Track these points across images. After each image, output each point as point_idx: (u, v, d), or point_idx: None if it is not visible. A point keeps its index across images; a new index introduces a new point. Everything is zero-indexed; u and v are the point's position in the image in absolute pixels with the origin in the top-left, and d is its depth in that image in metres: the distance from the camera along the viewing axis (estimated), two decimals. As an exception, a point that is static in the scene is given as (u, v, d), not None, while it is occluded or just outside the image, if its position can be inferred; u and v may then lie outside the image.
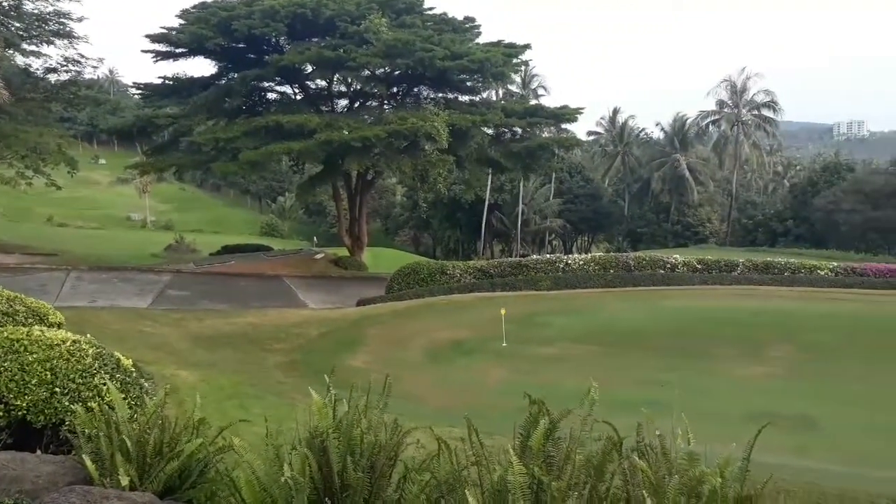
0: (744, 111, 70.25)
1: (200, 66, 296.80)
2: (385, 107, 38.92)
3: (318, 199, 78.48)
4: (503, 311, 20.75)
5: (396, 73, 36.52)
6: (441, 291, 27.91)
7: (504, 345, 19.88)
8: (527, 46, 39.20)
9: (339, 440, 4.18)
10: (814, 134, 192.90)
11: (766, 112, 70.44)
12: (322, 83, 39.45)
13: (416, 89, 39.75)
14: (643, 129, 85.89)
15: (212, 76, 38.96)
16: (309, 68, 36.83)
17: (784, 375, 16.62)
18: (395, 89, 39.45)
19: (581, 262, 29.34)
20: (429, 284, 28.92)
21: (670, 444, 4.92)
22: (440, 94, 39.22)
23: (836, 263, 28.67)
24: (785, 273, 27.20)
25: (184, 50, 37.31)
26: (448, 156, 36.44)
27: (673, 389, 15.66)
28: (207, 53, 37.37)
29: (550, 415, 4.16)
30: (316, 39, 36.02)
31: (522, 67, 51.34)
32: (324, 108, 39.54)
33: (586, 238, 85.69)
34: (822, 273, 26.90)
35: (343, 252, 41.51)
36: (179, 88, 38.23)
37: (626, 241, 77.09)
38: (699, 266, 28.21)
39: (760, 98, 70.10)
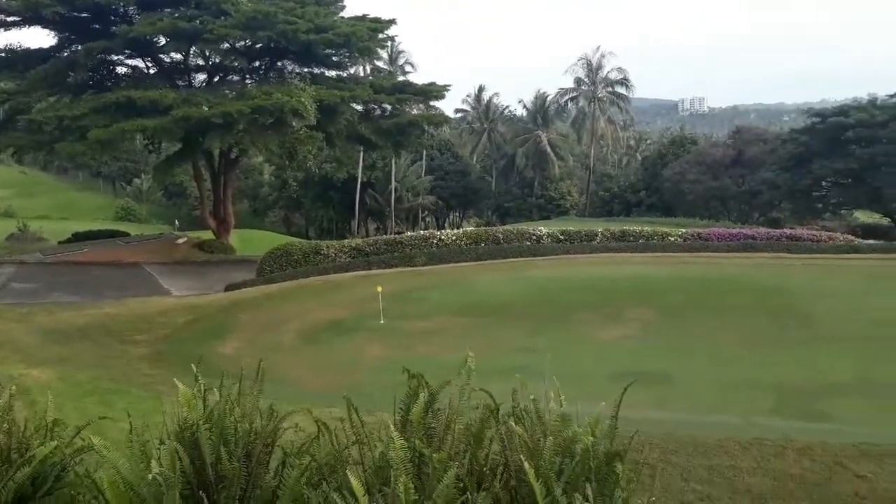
0: (599, 88, 73.90)
1: (39, 37, 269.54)
2: (247, 81, 37.30)
3: (177, 180, 74.20)
4: (379, 289, 20.73)
5: (258, 46, 35.03)
6: (316, 272, 27.45)
7: (381, 322, 19.91)
8: (392, 21, 38.89)
9: (210, 431, 4.00)
10: (661, 110, 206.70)
11: (619, 89, 74.55)
12: (177, 56, 37.09)
13: (280, 63, 38.35)
14: (507, 107, 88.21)
15: (51, 48, 35.48)
16: (162, 40, 34.47)
17: (641, 336, 17.87)
18: (257, 63, 37.85)
19: (454, 238, 29.86)
20: (302, 265, 28.36)
21: (544, 407, 5.14)
22: (306, 69, 38.10)
23: (684, 230, 31.00)
24: (640, 240, 29.12)
25: (16, 18, 33.65)
26: (317, 133, 35.60)
27: (544, 355, 16.45)
28: (45, 23, 33.90)
29: (429, 387, 4.20)
30: (169, 10, 33.69)
31: (389, 43, 50.91)
32: (180, 82, 37.25)
33: (458, 214, 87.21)
34: (673, 239, 29.05)
35: (208, 235, 39.65)
36: (14, 61, 34.53)
37: (495, 216, 79.21)
38: (562, 237, 29.58)
39: (614, 76, 74.06)
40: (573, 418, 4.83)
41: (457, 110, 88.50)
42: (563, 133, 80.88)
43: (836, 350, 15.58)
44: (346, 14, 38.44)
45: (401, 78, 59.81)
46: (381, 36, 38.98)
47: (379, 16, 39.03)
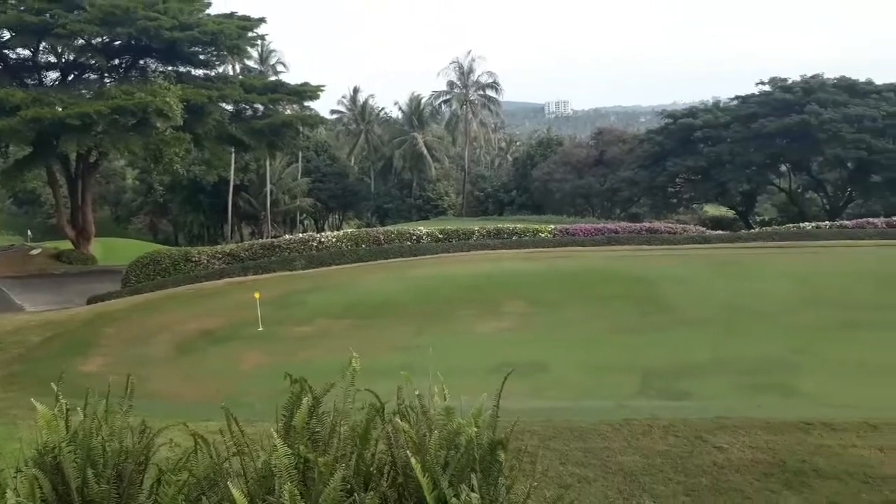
0: (471, 91, 75.72)
1: None
2: (107, 80, 34.97)
3: (29, 187, 68.12)
4: (257, 295, 20.17)
5: (117, 42, 32.98)
6: (187, 280, 26.34)
7: (260, 329, 19.40)
8: (262, 20, 37.92)
9: (75, 453, 3.75)
10: (529, 113, 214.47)
11: (490, 92, 76.86)
12: (25, 52, 34.13)
13: (142, 61, 36.28)
14: (383, 109, 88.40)
15: None
16: (6, 34, 31.60)
17: (518, 328, 18.53)
18: (117, 61, 35.60)
19: (334, 240, 29.55)
20: (172, 274, 27.17)
21: (428, 402, 5.24)
22: (171, 68, 36.28)
23: (553, 226, 32.38)
24: (513, 237, 30.14)
25: None
26: (184, 134, 33.98)
27: (427, 351, 16.67)
28: None
29: (313, 391, 4.16)
30: (14, 1, 30.93)
31: (259, 42, 49.51)
32: (29, 80, 34.33)
33: (337, 216, 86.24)
34: (543, 235, 30.29)
35: (66, 245, 36.86)
36: None
37: (375, 217, 79.14)
38: (441, 236, 30.07)
39: (485, 79, 76.19)
40: (457, 411, 4.96)
41: (332, 111, 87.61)
42: (439, 135, 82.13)
43: (692, 333, 16.89)
44: (213, 11, 36.99)
45: (273, 78, 58.36)
46: (250, 34, 37.93)
47: (248, 14, 37.92)
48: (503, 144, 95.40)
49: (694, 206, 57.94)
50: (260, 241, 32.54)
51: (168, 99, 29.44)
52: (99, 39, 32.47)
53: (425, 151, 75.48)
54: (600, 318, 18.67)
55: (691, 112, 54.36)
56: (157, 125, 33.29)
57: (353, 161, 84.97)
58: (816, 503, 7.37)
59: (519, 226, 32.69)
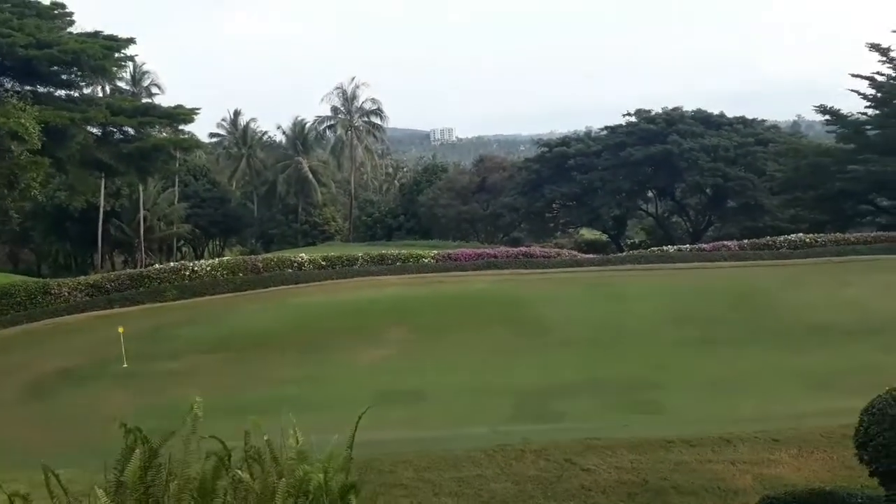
0: (355, 117, 75.81)
1: None
2: (-50, 99, 32.00)
3: None
4: (121, 329, 19.07)
5: (-36, 60, 30.34)
6: (45, 315, 24.51)
7: (125, 366, 18.33)
8: (131, 40, 36.19)
9: None
10: (415, 139, 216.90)
11: (374, 119, 77.19)
12: None
13: (-6, 80, 33.56)
14: (266, 132, 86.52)
15: None
16: None
17: (399, 356, 18.54)
18: (-36, 79, 32.72)
19: (209, 268, 28.34)
20: (28, 308, 25.23)
21: (281, 444, 5.08)
22: (28, 87, 33.77)
23: (436, 251, 32.75)
24: (397, 263, 30.18)
25: None
26: (43, 158, 31.60)
27: (301, 385, 16.30)
28: None
29: (149, 442, 3.94)
30: None
31: (129, 63, 47.22)
32: None
33: (218, 242, 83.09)
34: (426, 260, 30.55)
35: None
36: None
37: (259, 243, 76.97)
38: (324, 263, 29.57)
39: (368, 106, 76.45)
40: (318, 451, 4.84)
41: (212, 134, 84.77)
42: (324, 160, 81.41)
43: (566, 354, 17.57)
44: (76, 29, 34.92)
45: (146, 100, 55.87)
46: (117, 55, 36.08)
47: (115, 33, 36.08)
48: (390, 170, 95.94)
49: (570, 230, 60.60)
50: (127, 271, 30.72)
51: (23, 121, 27.34)
52: (-59, 55, 29.79)
53: (310, 176, 74.46)
54: (479, 342, 19.02)
55: (565, 141, 57.15)
56: (11, 148, 30.79)
57: (234, 186, 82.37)
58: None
59: (403, 251, 32.80)
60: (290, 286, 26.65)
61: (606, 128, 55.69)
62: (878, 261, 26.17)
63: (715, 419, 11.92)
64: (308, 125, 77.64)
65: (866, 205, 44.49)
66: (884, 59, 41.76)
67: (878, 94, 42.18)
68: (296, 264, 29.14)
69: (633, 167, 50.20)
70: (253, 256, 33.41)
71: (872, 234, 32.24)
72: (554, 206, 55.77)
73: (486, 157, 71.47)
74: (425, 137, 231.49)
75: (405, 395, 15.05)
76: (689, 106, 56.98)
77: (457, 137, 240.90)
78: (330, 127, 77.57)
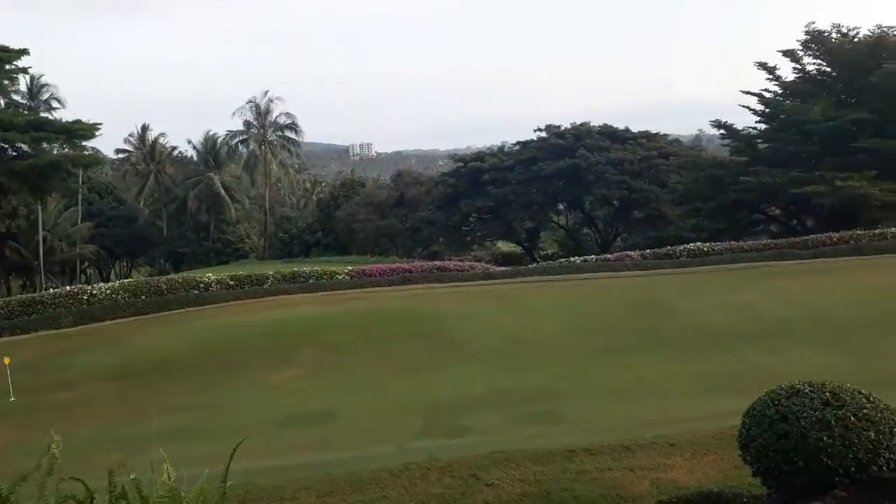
0: (269, 132, 74.35)
1: None
2: None
3: None
4: (7, 360, 17.88)
5: None
6: (-79, 347, 22.56)
7: (11, 399, 17.19)
8: (24, 51, 34.46)
9: None
10: (334, 154, 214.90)
11: (289, 133, 75.87)
12: None
13: None
14: (175, 148, 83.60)
15: None
16: None
17: (310, 376, 18.21)
18: None
19: (108, 292, 27.04)
20: None
21: (154, 481, 4.90)
22: None
23: (351, 267, 32.41)
24: (310, 280, 29.60)
25: None
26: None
27: (206, 410, 15.74)
28: None
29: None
30: None
31: (23, 76, 44.79)
32: None
33: (125, 263, 79.44)
34: (340, 277, 30.19)
35: None
36: None
37: (169, 263, 74.13)
38: (232, 282, 28.73)
39: (283, 120, 75.14)
40: (210, 483, 4.68)
41: (118, 150, 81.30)
42: (237, 175, 79.40)
43: (474, 367, 17.71)
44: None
45: (44, 114, 53.05)
46: (8, 67, 34.21)
47: (7, 45, 34.16)
48: (308, 185, 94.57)
49: (486, 243, 61.49)
50: (18, 297, 28.89)
51: None
52: None
53: (223, 192, 72.49)
54: (390, 358, 18.94)
55: (479, 156, 58.11)
56: None
57: (142, 203, 79.21)
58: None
59: (317, 268, 32.29)
60: (196, 308, 25.73)
61: (518, 143, 57.02)
62: (768, 267, 27.80)
63: (616, 427, 12.25)
64: (220, 140, 75.79)
65: (759, 214, 47.39)
66: (771, 77, 44.85)
67: (767, 110, 45.20)
68: (202, 285, 28.19)
69: (544, 181, 51.58)
70: (156, 278, 32.08)
71: (763, 242, 34.26)
72: (470, 219, 56.54)
73: (404, 172, 71.58)
74: (344, 152, 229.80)
75: (314, 417, 14.80)
76: (605, 120, 59.21)
77: (376, 152, 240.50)
78: (243, 142, 75.89)
